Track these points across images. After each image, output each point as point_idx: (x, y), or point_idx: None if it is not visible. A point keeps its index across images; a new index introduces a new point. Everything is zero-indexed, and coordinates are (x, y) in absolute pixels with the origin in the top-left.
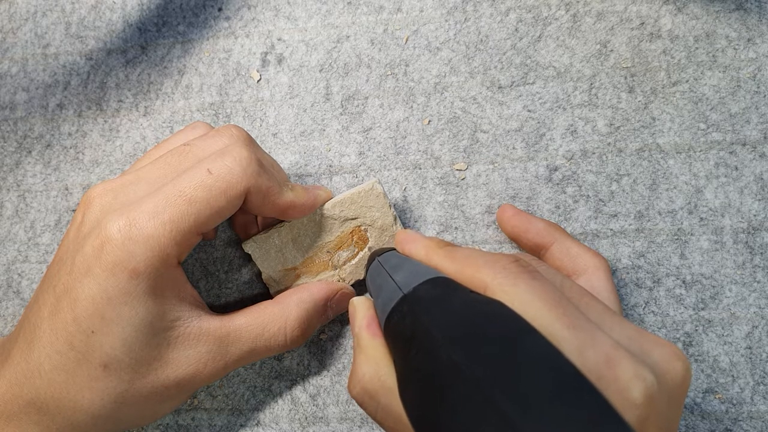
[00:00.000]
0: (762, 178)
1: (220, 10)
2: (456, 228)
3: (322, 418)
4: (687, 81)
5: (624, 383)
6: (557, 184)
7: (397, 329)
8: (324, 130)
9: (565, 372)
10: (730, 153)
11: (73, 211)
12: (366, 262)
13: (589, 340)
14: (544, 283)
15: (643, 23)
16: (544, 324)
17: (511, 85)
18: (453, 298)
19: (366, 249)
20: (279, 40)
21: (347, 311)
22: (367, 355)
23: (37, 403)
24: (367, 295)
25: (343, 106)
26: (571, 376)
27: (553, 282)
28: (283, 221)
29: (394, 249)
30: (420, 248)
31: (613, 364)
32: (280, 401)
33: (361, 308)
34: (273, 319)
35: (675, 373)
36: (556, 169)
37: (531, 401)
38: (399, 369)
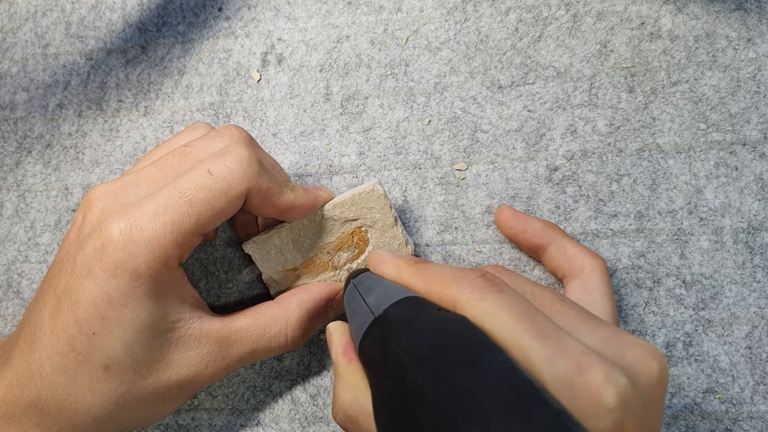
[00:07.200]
0: (762, 178)
1: (220, 10)
2: (456, 228)
3: (322, 418)
4: (687, 81)
5: (595, 389)
6: (557, 184)
7: (370, 353)
8: (324, 130)
9: (523, 389)
10: (730, 153)
11: (74, 211)
12: (364, 265)
13: (558, 349)
14: (510, 295)
15: (643, 23)
16: (512, 336)
17: (511, 85)
18: (421, 319)
19: (367, 250)
20: (279, 40)
21: None
22: (345, 381)
23: (38, 404)
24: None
25: (343, 106)
26: (528, 393)
27: (523, 292)
28: (283, 222)
29: (369, 270)
30: (390, 267)
31: (584, 371)
32: (280, 401)
33: (336, 334)
34: (274, 320)
35: (650, 372)
36: (556, 169)
37: (491, 421)
38: (373, 393)
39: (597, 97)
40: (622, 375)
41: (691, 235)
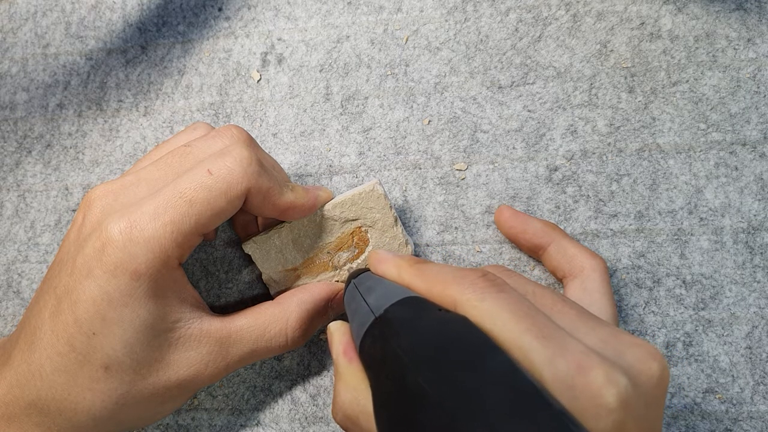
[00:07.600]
0: (762, 178)
1: (220, 10)
2: (456, 228)
3: (322, 418)
4: (687, 81)
5: (596, 389)
6: (557, 184)
7: (370, 353)
8: (324, 130)
9: (524, 390)
10: (730, 153)
11: (74, 211)
12: (364, 265)
13: (559, 349)
14: (511, 295)
15: (643, 23)
16: (513, 337)
17: (511, 85)
18: (421, 319)
19: (367, 250)
20: (279, 40)
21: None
22: (345, 381)
23: (38, 404)
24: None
25: (343, 106)
26: (529, 394)
27: (524, 293)
28: (283, 222)
29: (369, 270)
30: (391, 267)
31: (585, 372)
32: (280, 401)
33: (337, 334)
34: (274, 320)
35: (650, 373)
36: (556, 169)
37: (492, 422)
38: (374, 393)
39: (597, 97)
40: (622, 376)
41: (691, 235)
